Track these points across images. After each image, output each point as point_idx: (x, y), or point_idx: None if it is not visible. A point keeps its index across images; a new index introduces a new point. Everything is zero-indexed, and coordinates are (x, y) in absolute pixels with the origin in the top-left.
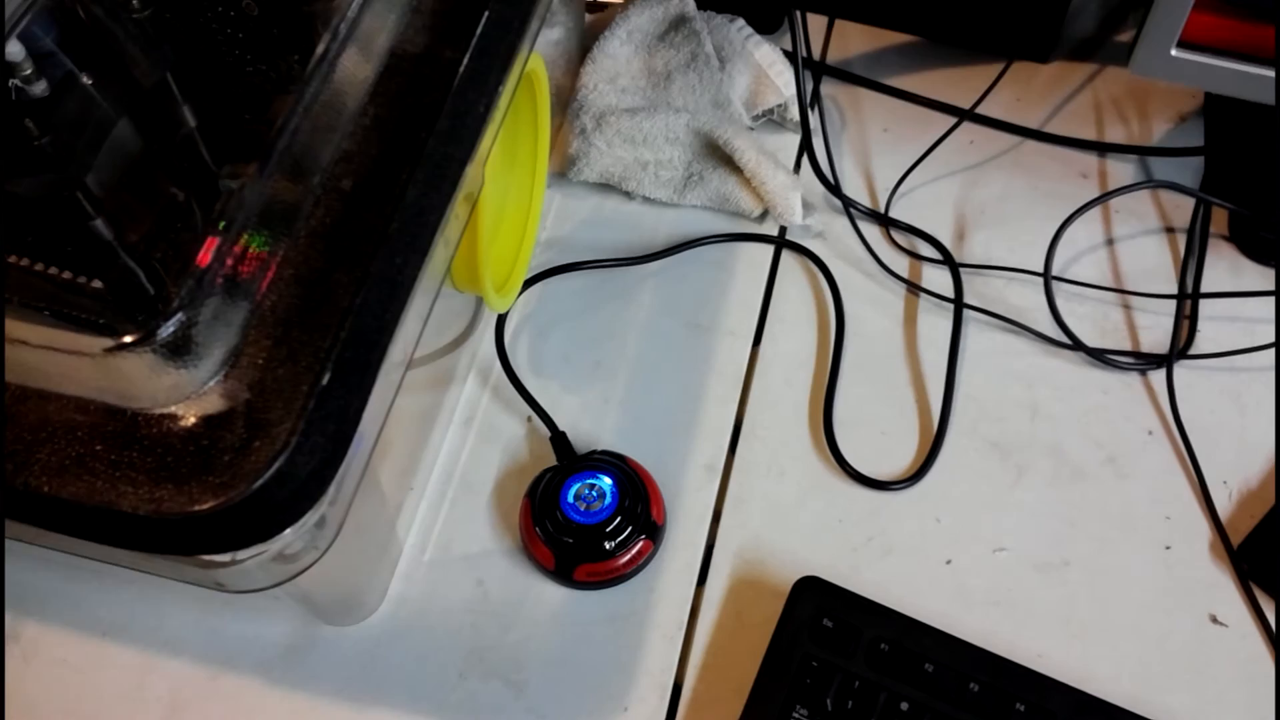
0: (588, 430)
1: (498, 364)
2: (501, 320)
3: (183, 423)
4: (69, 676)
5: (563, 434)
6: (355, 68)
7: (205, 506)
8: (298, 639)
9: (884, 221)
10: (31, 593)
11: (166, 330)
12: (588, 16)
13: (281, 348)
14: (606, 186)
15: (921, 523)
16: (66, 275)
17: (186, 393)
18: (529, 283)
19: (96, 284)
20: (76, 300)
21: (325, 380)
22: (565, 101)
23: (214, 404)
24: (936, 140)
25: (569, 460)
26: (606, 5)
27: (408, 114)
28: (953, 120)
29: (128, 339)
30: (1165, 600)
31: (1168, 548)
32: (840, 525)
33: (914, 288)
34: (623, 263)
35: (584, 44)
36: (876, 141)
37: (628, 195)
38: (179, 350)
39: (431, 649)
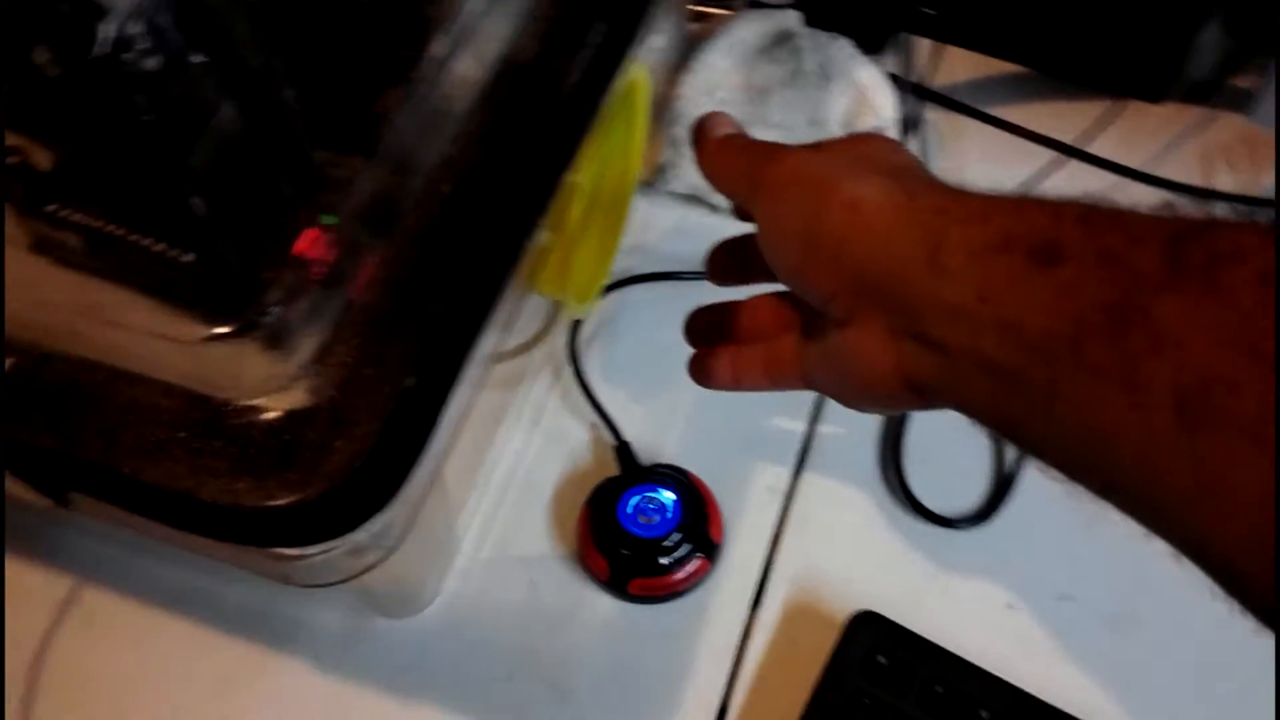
0: (652, 442)
1: (568, 367)
2: (576, 324)
3: (267, 415)
4: (125, 645)
5: (627, 443)
6: (467, 72)
7: (282, 502)
8: (350, 628)
9: None
10: (95, 559)
11: (263, 322)
12: (690, 26)
13: (370, 348)
14: (693, 198)
15: (986, 563)
16: (160, 247)
17: (273, 386)
18: (607, 289)
19: (189, 257)
20: (168, 275)
21: (409, 385)
22: (660, 110)
23: (299, 399)
24: (1035, 174)
25: (631, 471)
26: (710, 15)
27: (512, 123)
28: (1054, 155)
29: (223, 329)
30: (1238, 668)
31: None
32: (902, 560)
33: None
34: (703, 277)
35: (684, 53)
36: (974, 171)
37: (713, 208)
38: (272, 343)
39: (481, 648)
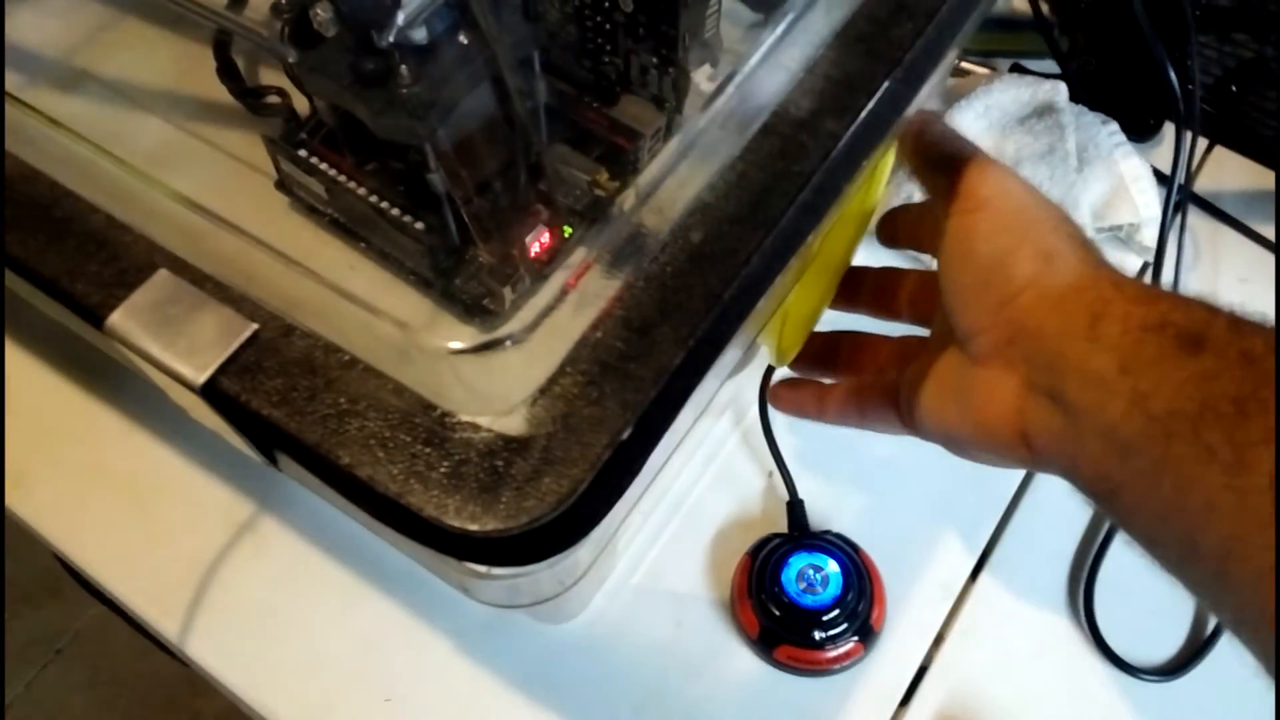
0: (826, 506)
1: (755, 408)
2: (772, 367)
3: (483, 435)
4: (287, 582)
5: (800, 502)
6: (738, 120)
7: (485, 529)
8: (496, 618)
9: None
10: (278, 490)
11: (507, 341)
12: (948, 80)
13: (593, 388)
14: (914, 257)
15: None
16: (394, 211)
17: (497, 407)
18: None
19: (419, 225)
20: (397, 240)
21: (626, 435)
22: (898, 162)
23: (518, 425)
24: None
25: (800, 532)
26: (970, 73)
27: (774, 178)
28: None
29: (462, 344)
30: None
31: None
32: (1071, 699)
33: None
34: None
35: (937, 108)
36: (1229, 290)
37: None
38: (511, 364)
39: (615, 674)
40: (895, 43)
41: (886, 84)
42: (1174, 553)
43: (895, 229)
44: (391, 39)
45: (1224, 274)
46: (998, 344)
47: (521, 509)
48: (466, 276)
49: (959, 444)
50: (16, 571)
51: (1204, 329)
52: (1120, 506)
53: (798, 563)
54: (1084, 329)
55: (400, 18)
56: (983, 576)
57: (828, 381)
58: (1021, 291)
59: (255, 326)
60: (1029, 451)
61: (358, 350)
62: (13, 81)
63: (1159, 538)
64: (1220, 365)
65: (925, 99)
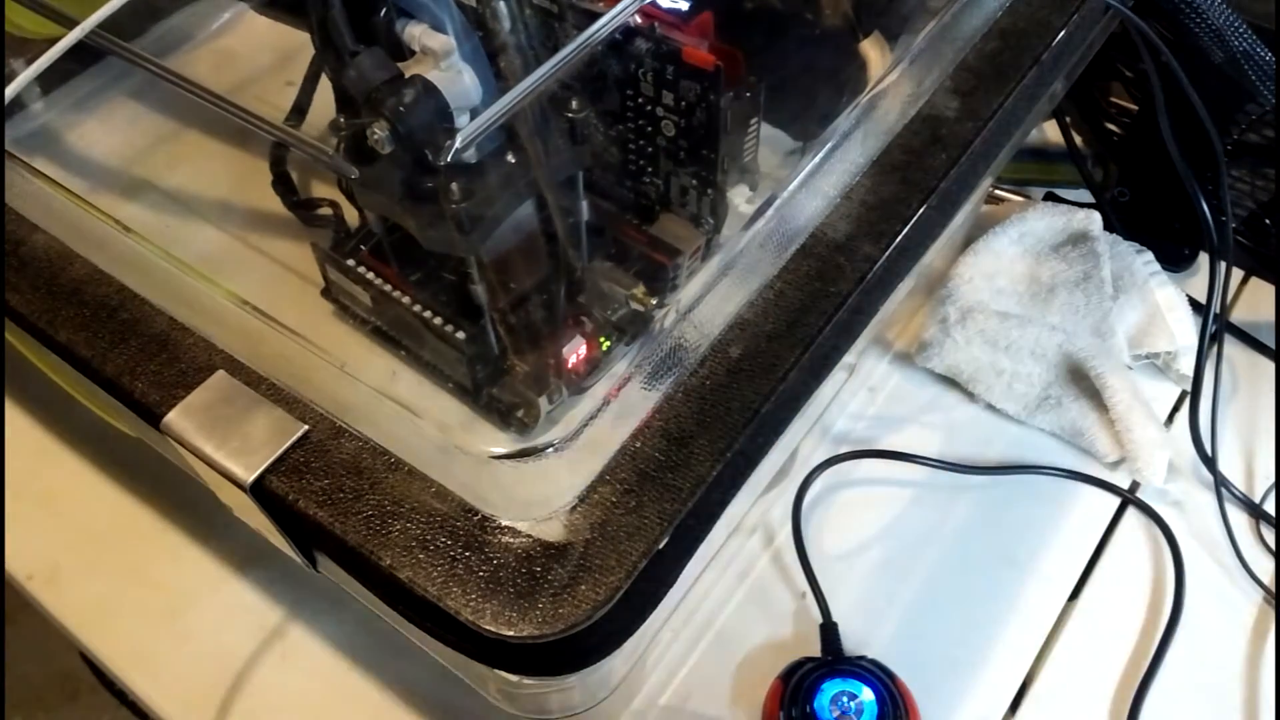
0: (859, 630)
1: (788, 527)
2: (804, 485)
3: (521, 540)
4: (311, 692)
5: (834, 625)
6: (777, 241)
7: (519, 635)
8: None
9: (1256, 513)
10: (307, 599)
11: (548, 447)
12: (982, 207)
13: (631, 497)
14: (950, 381)
15: None
16: (437, 320)
17: (536, 513)
18: (845, 457)
19: (460, 335)
20: (439, 348)
21: (662, 545)
22: (933, 285)
23: (556, 532)
24: None
25: (834, 656)
26: (1004, 200)
27: (811, 298)
28: None
29: (503, 450)
30: None
31: None
32: None
33: (1275, 600)
34: (947, 467)
35: (970, 233)
36: (1268, 423)
37: (970, 396)
38: (549, 468)
39: None
40: (930, 171)
41: (921, 210)
42: None
43: None
44: (447, 160)
45: (1263, 404)
46: None
47: (557, 615)
48: (504, 386)
49: None
50: (34, 673)
51: None
52: None
53: (831, 689)
54: None
55: (457, 140)
56: (1021, 711)
57: None
58: None
59: (305, 428)
60: None
61: (402, 453)
62: (77, 187)
63: None
64: None
65: (959, 225)
